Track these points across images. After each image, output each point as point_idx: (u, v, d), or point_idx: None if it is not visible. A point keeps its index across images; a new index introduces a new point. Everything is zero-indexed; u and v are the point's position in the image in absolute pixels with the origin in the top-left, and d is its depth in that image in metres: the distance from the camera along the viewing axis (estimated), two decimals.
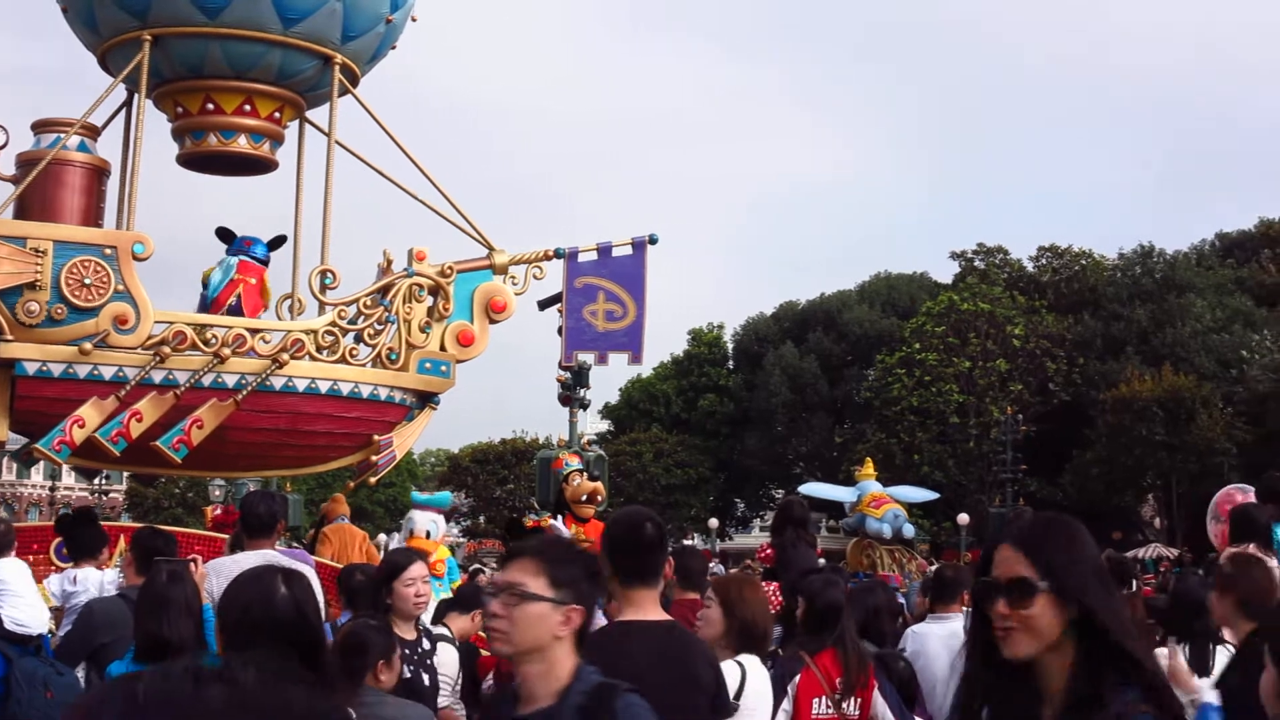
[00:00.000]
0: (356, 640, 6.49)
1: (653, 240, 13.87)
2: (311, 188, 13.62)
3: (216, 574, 8.18)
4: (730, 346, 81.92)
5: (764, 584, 10.15)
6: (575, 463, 16.36)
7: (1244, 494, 16.44)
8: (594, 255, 13.78)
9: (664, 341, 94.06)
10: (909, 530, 21.45)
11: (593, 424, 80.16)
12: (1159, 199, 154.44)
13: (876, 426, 62.59)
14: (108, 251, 11.70)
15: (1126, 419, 55.29)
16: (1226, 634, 7.63)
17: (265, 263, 12.96)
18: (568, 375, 29.35)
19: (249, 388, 11.89)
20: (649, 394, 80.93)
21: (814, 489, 26.82)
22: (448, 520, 17.99)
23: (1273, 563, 10.50)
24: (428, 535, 15.03)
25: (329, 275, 12.61)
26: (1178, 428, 54.34)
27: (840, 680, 7.43)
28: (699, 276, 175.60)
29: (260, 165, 13.69)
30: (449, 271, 13.13)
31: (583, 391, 30.95)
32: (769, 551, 13.07)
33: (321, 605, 8.90)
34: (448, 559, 15.39)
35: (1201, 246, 73.99)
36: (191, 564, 7.63)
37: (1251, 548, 10.36)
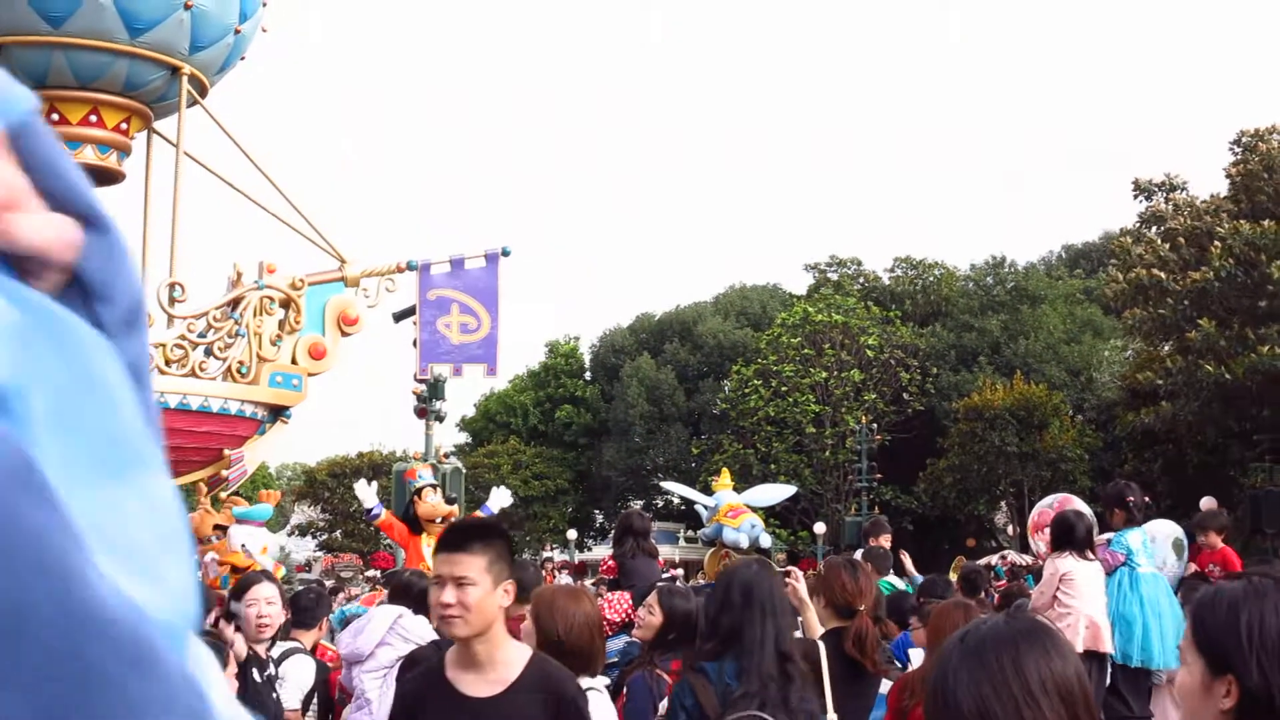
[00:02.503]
0: None
1: (505, 252, 13.83)
2: (160, 200, 13.45)
3: None
4: (587, 358, 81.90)
5: (611, 594, 10.27)
6: (428, 474, 16.27)
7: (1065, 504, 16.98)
8: (447, 268, 13.72)
9: (520, 353, 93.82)
10: (766, 540, 21.55)
11: (450, 437, 79.77)
12: (1009, 211, 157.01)
13: (733, 437, 62.74)
14: None
15: (979, 428, 56.03)
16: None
17: None
18: (423, 388, 29.14)
19: None
20: (506, 406, 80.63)
21: (674, 488, 27.21)
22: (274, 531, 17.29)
23: (1096, 564, 10.75)
24: (244, 550, 13.26)
25: (178, 288, 12.47)
26: (1029, 436, 55.19)
27: None
28: (555, 288, 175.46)
29: (107, 177, 13.48)
30: (300, 284, 13.01)
31: (439, 404, 30.66)
32: (611, 563, 13.12)
33: None
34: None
35: (1049, 258, 75.50)
36: None
37: (1069, 554, 10.60)
